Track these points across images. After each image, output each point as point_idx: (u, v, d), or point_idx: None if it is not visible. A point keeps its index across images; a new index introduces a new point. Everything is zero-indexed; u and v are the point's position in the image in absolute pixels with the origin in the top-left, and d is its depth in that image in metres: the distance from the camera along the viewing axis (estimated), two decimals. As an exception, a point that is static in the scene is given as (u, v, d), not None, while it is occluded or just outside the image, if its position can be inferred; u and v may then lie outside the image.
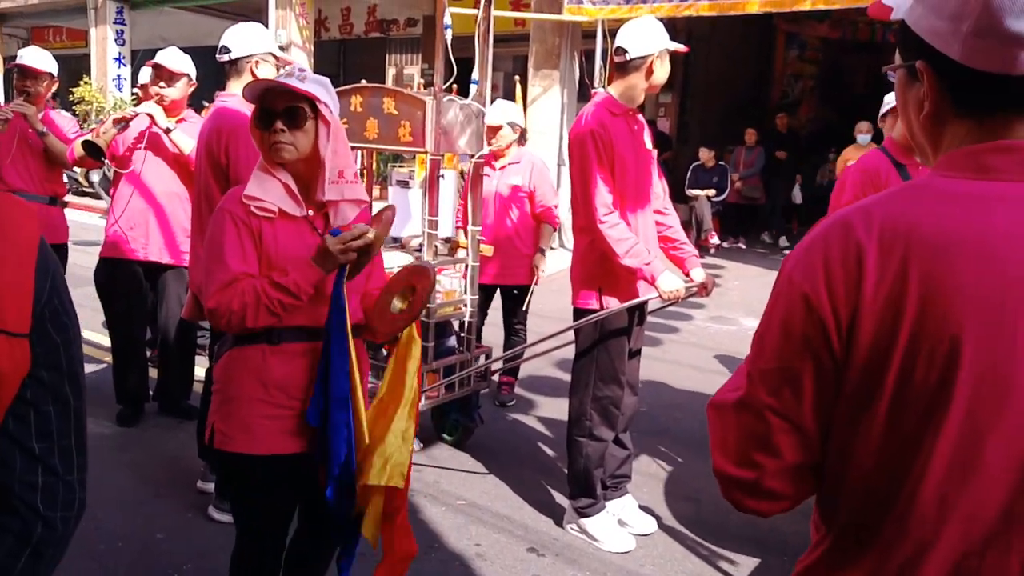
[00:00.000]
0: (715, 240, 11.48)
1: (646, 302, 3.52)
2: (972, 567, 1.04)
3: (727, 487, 1.19)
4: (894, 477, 1.05)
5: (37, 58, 4.80)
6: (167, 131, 4.28)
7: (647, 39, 3.30)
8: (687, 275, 3.60)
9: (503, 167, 5.10)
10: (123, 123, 4.29)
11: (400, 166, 5.51)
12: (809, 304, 1.07)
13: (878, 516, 1.08)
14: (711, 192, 11.64)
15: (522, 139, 5.42)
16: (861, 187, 3.08)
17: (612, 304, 3.40)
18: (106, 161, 4.35)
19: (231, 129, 3.22)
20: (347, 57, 16.98)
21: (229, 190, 2.34)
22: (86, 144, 4.24)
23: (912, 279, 1.01)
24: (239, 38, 3.50)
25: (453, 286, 4.25)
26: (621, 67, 3.37)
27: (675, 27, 3.25)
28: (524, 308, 5.24)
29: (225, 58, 3.49)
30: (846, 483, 1.10)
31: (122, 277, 4.49)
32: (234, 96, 3.44)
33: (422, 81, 7.82)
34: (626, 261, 3.28)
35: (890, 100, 3.07)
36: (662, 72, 3.36)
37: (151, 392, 4.80)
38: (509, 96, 6.40)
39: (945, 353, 1.00)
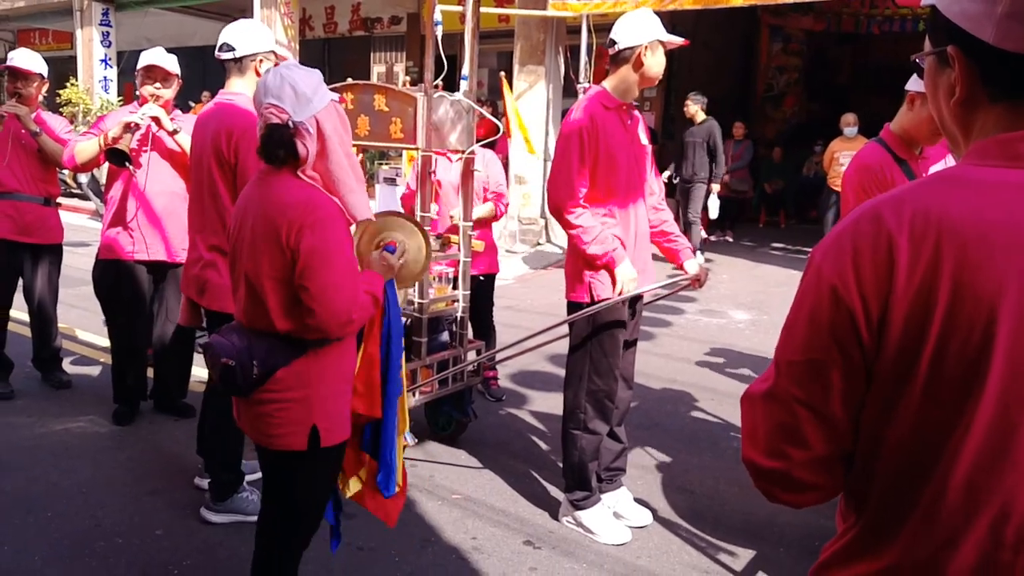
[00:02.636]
0: (702, 234, 11.52)
1: (641, 296, 3.55)
2: (1005, 562, 1.02)
3: (757, 477, 1.19)
4: (924, 466, 1.05)
5: (27, 59, 4.81)
6: (173, 133, 4.28)
7: (636, 30, 3.30)
8: (680, 267, 3.63)
9: (460, 157, 5.09)
10: (133, 128, 4.26)
11: (387, 164, 5.52)
12: (838, 296, 1.07)
13: (907, 505, 1.07)
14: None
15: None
16: (863, 187, 3.00)
17: (606, 297, 3.41)
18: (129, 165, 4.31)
19: (243, 129, 3.20)
20: (332, 56, 16.94)
21: (314, 194, 2.30)
22: (111, 152, 4.22)
23: (944, 269, 1.01)
24: (242, 36, 3.44)
25: (444, 282, 4.27)
26: (613, 59, 3.38)
27: (659, 20, 3.29)
28: (492, 298, 5.27)
29: (228, 56, 3.43)
30: (876, 472, 1.10)
31: (126, 278, 4.49)
32: (240, 95, 3.40)
33: (408, 79, 7.84)
34: (591, 249, 3.30)
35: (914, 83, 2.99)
36: (653, 63, 3.33)
37: (148, 391, 4.82)
38: (495, 92, 6.42)
39: (978, 342, 1.00)
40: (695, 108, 10.18)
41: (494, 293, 5.35)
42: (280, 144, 2.26)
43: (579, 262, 3.45)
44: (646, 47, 3.29)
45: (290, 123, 2.25)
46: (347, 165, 2.38)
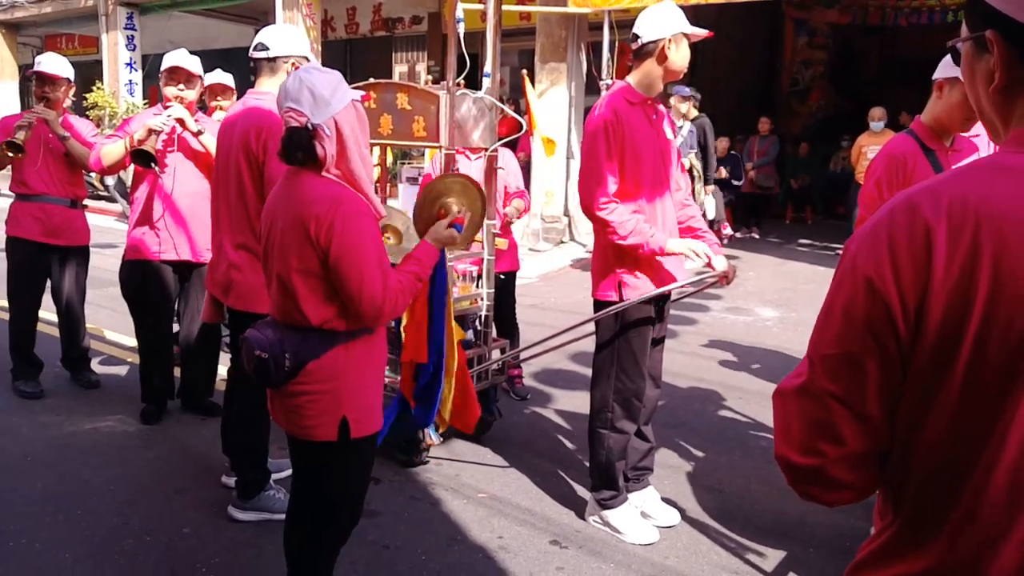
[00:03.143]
0: (727, 231, 11.42)
1: (669, 294, 3.51)
2: None
3: (790, 475, 1.17)
4: (964, 462, 1.02)
5: (54, 64, 4.85)
6: (198, 133, 4.30)
7: (659, 23, 3.25)
8: (708, 265, 3.58)
9: (479, 158, 5.04)
10: (159, 130, 4.29)
11: (410, 163, 5.53)
12: (873, 288, 1.05)
13: (947, 503, 1.04)
14: (722, 170, 11.45)
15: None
16: (886, 173, 3.00)
17: (633, 295, 3.39)
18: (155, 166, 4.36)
19: (271, 128, 3.23)
20: (353, 56, 17.02)
21: (341, 191, 2.37)
22: (136, 153, 4.26)
23: (984, 258, 0.98)
24: (278, 37, 3.47)
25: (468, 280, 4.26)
26: (637, 54, 3.34)
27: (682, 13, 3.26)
28: (514, 295, 5.23)
29: (262, 55, 3.45)
30: (913, 468, 1.07)
31: (152, 278, 4.52)
32: (269, 94, 3.40)
33: (429, 78, 7.85)
34: (630, 240, 3.26)
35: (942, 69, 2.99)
36: (677, 57, 3.28)
37: (176, 390, 4.86)
38: (517, 91, 6.36)
39: (1019, 333, 0.97)
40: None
41: (516, 291, 5.32)
42: (298, 146, 2.34)
43: (608, 259, 3.41)
44: (670, 40, 3.25)
45: (308, 125, 2.31)
46: (362, 164, 2.44)
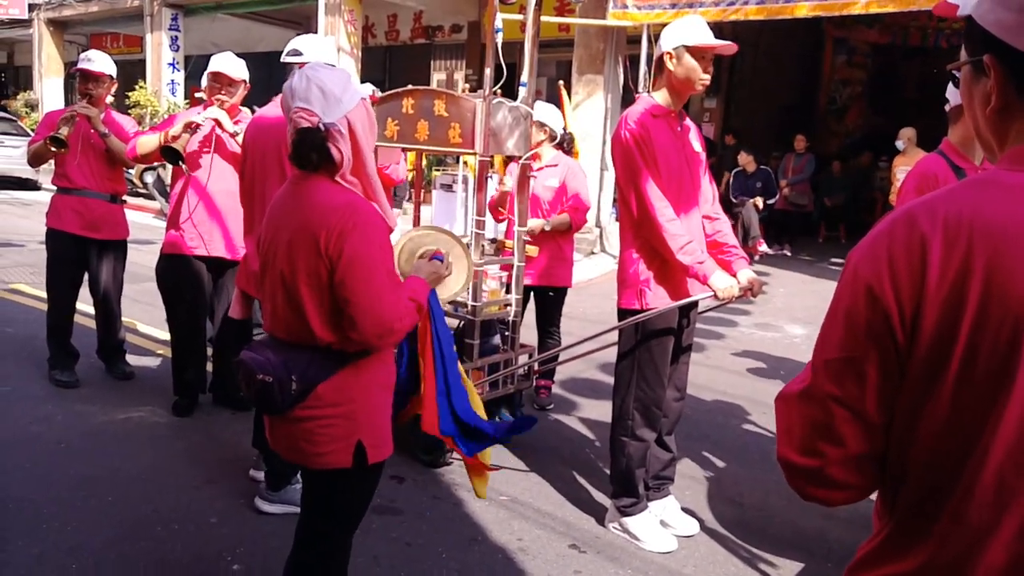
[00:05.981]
0: (764, 247, 11.33)
1: (695, 304, 3.53)
2: None
3: (791, 475, 1.21)
4: (955, 464, 1.06)
5: (98, 62, 4.98)
6: (234, 135, 4.41)
7: (664, 36, 3.28)
8: (734, 278, 3.59)
9: (540, 169, 5.05)
10: (194, 128, 4.41)
11: (444, 170, 5.59)
12: (873, 295, 1.09)
13: (938, 503, 1.08)
14: (759, 201, 11.45)
15: (561, 145, 5.30)
16: (916, 192, 3.01)
17: (656, 305, 3.41)
18: (182, 164, 4.47)
19: None
20: (393, 63, 17.20)
21: (355, 199, 2.19)
22: (165, 150, 4.38)
23: (975, 270, 1.03)
24: (311, 44, 3.64)
25: (497, 286, 4.31)
26: (658, 67, 3.39)
27: (722, 31, 3.27)
28: (559, 311, 5.25)
29: (295, 59, 3.59)
30: (908, 470, 1.12)
31: (188, 273, 4.62)
32: None
33: (467, 86, 7.94)
34: (680, 257, 3.27)
35: (953, 95, 3.05)
36: (677, 70, 3.27)
37: (207, 384, 4.95)
38: (553, 102, 6.38)
39: (1007, 342, 1.01)
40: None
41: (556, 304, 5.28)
42: (312, 148, 2.14)
43: (633, 269, 3.44)
44: (669, 54, 3.27)
45: (321, 126, 2.14)
46: (373, 168, 2.30)
